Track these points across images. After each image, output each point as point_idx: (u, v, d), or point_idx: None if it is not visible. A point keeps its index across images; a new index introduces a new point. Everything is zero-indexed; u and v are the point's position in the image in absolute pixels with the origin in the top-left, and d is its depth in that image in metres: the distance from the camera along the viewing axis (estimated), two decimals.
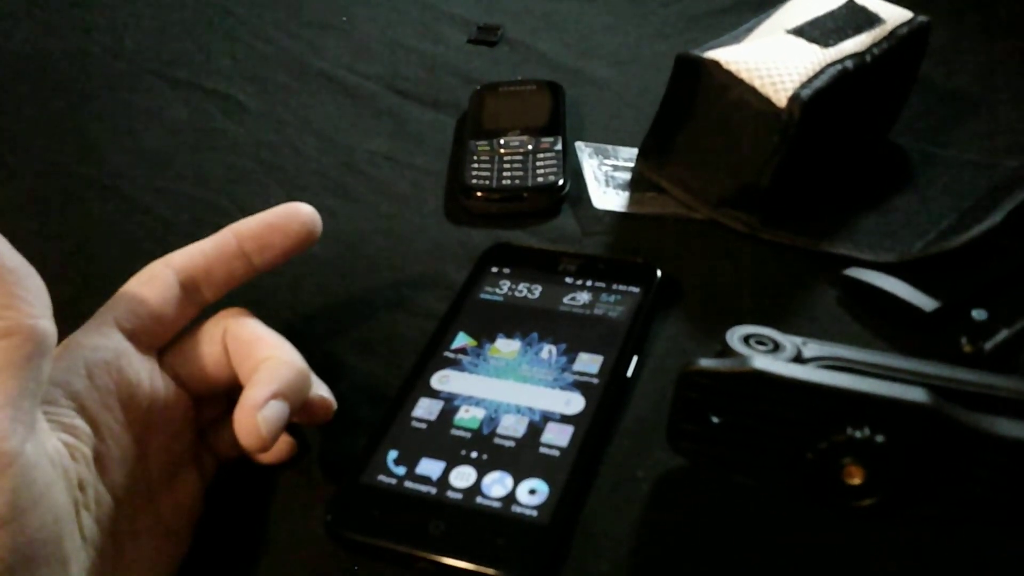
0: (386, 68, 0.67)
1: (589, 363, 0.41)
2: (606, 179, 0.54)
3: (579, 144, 0.58)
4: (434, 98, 0.63)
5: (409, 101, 0.63)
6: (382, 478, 0.37)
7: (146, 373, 0.35)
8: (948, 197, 0.50)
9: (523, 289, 0.46)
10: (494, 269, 0.47)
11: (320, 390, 0.38)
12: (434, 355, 0.42)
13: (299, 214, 0.40)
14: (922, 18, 0.51)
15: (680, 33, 0.69)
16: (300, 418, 0.38)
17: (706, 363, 0.35)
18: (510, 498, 0.35)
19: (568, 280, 0.46)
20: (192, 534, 0.36)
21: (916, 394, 0.33)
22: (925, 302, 0.43)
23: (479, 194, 0.53)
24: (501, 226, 0.52)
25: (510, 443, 0.38)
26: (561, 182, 0.53)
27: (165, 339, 0.37)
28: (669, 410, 0.36)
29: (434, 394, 0.40)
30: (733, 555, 0.35)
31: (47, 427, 0.30)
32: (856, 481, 0.34)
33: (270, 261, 0.39)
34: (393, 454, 0.38)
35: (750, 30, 0.53)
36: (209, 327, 0.38)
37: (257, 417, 0.33)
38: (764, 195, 0.47)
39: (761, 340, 0.37)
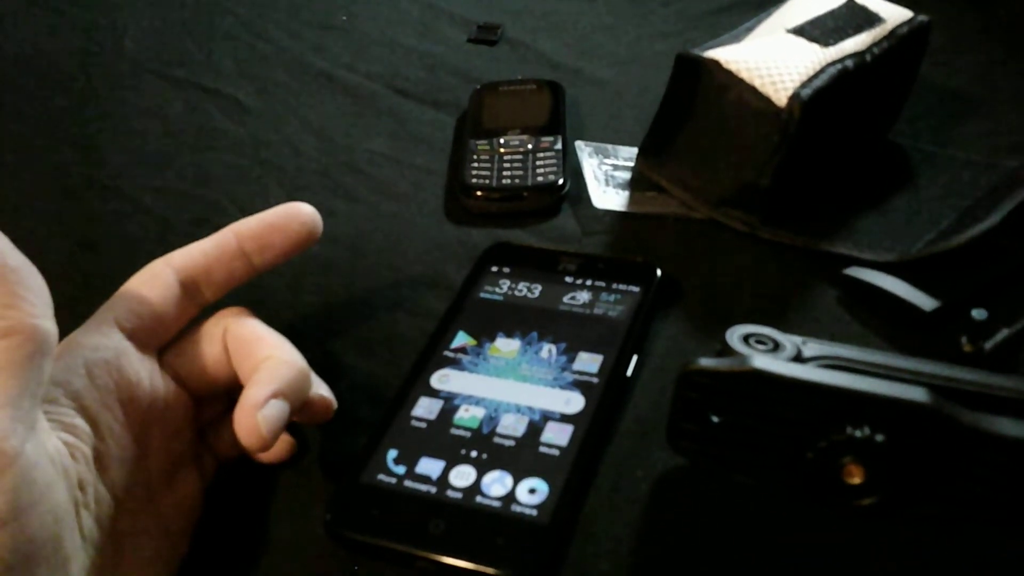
0: (386, 68, 0.67)
1: (589, 362, 0.41)
2: (606, 178, 0.55)
3: (579, 143, 0.58)
4: (434, 97, 0.63)
5: (409, 100, 0.63)
6: (382, 477, 0.37)
7: (146, 373, 0.35)
8: (948, 197, 0.50)
9: (523, 288, 0.46)
10: (494, 268, 0.47)
11: (320, 389, 0.38)
12: (434, 354, 0.42)
13: (300, 214, 0.40)
14: (922, 18, 0.51)
15: (680, 33, 0.69)
16: (300, 417, 0.38)
17: (706, 362, 0.35)
18: (510, 497, 0.35)
19: (568, 279, 0.46)
20: (192, 534, 0.36)
21: (916, 394, 0.33)
22: (925, 302, 0.43)
23: (479, 193, 0.53)
24: (501, 225, 0.52)
25: (510, 442, 0.38)
26: (561, 181, 0.53)
27: (165, 339, 0.37)
28: (669, 410, 0.36)
29: (434, 393, 0.40)
30: (733, 555, 0.35)
31: (47, 426, 0.30)
32: (856, 480, 0.34)
33: (270, 261, 0.39)
34: (393, 453, 0.38)
35: (750, 29, 0.53)
36: (209, 327, 0.38)
37: (257, 416, 0.33)
38: (764, 194, 0.47)
39: (761, 339, 0.37)
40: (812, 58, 0.47)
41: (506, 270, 0.47)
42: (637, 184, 0.54)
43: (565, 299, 0.45)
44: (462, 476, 0.36)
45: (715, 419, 0.36)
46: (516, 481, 0.36)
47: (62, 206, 0.55)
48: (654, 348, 0.44)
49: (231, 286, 0.39)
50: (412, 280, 0.49)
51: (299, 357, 0.36)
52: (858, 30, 0.49)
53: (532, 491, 0.35)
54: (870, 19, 0.50)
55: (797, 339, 0.38)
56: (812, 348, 0.37)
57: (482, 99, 0.61)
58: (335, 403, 0.39)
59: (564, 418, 0.39)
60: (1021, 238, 0.45)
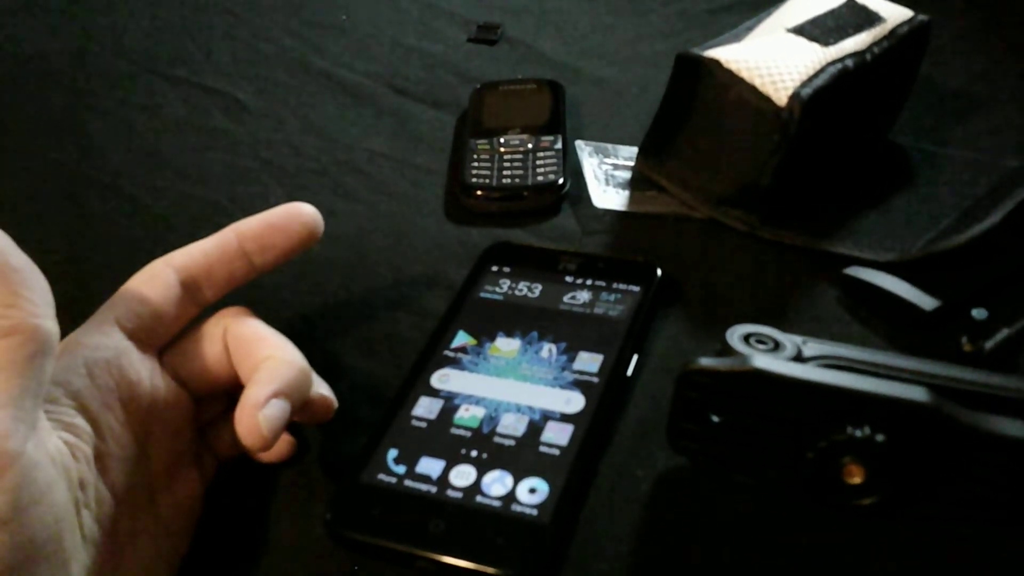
0: (386, 67, 0.67)
1: (589, 362, 0.41)
2: (606, 178, 0.54)
3: (579, 143, 0.58)
4: (434, 97, 0.63)
5: (409, 100, 0.63)
6: (382, 477, 0.37)
7: (147, 372, 0.35)
8: (948, 196, 0.50)
9: (523, 288, 0.46)
10: (494, 268, 0.47)
11: (321, 389, 0.38)
12: (434, 354, 0.42)
13: (300, 214, 0.40)
14: (922, 17, 0.51)
15: (680, 32, 0.69)
16: (301, 417, 0.38)
17: (706, 362, 0.35)
18: (510, 497, 0.35)
19: (568, 279, 0.46)
20: (192, 534, 0.36)
21: (916, 393, 0.33)
22: (925, 301, 0.43)
23: (479, 193, 0.53)
24: (501, 225, 0.52)
25: (510, 442, 0.38)
26: (561, 181, 0.53)
27: (166, 338, 0.37)
28: (669, 409, 0.36)
29: (434, 393, 0.40)
30: (733, 555, 0.35)
31: (48, 426, 0.30)
32: (856, 480, 0.34)
33: (271, 261, 0.39)
34: (393, 453, 0.38)
35: (750, 29, 0.53)
36: (210, 326, 0.38)
37: (258, 416, 0.33)
38: (764, 194, 0.47)
39: (761, 339, 0.37)
40: (812, 57, 0.47)
41: (506, 270, 0.47)
42: (637, 184, 0.54)
43: (565, 299, 0.45)
44: (462, 476, 0.36)
45: (715, 419, 0.36)
46: (516, 481, 0.36)
47: (62, 206, 0.55)
48: (654, 348, 0.44)
49: (232, 286, 0.39)
50: (412, 280, 0.49)
51: (300, 357, 0.36)
52: (858, 29, 0.49)
53: (532, 491, 0.35)
54: (870, 18, 0.50)
55: (797, 339, 0.38)
56: (812, 348, 0.37)
57: (482, 98, 0.61)
58: (336, 403, 0.39)
59: (564, 418, 0.39)
60: (1021, 238, 0.45)
